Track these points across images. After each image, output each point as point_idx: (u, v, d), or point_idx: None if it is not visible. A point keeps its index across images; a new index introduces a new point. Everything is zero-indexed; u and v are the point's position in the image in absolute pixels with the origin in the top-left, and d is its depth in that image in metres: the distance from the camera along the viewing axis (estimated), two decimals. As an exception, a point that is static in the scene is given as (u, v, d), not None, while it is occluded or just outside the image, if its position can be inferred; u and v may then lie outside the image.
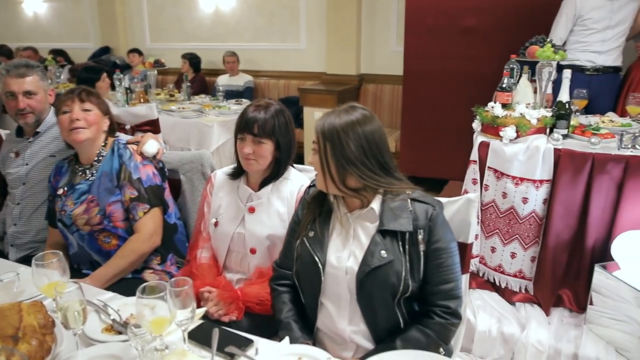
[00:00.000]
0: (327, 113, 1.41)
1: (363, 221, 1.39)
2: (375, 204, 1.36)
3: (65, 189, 1.95)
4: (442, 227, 1.36)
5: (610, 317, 2.15)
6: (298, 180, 1.75)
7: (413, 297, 1.36)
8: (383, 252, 1.32)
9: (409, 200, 1.36)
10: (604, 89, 3.04)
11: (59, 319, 1.18)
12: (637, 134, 2.20)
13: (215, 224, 1.78)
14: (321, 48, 5.37)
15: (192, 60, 5.61)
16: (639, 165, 2.16)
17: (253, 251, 1.72)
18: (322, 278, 1.39)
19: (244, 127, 1.66)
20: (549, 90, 2.55)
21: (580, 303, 2.36)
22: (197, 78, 5.59)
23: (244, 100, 4.74)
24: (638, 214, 2.13)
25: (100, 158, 1.95)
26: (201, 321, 1.37)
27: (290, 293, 1.51)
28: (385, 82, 5.03)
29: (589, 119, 2.65)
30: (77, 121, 1.86)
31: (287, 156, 1.72)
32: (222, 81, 5.50)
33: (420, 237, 1.33)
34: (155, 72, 5.01)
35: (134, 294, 1.16)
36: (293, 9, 5.51)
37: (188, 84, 4.74)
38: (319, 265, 1.38)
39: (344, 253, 1.39)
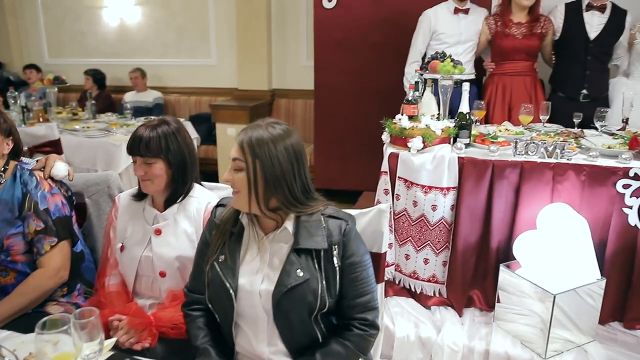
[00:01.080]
0: (250, 127, 1.35)
1: (278, 242, 1.36)
2: (289, 224, 1.34)
3: None
4: (356, 241, 1.37)
5: (516, 313, 2.29)
6: (205, 197, 1.71)
7: (330, 311, 1.36)
8: (299, 271, 1.31)
9: (322, 217, 1.35)
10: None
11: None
12: (529, 142, 2.38)
13: (122, 249, 1.69)
14: (232, 64, 5.33)
15: (96, 76, 5.35)
16: (532, 170, 2.33)
17: (163, 274, 1.66)
18: (235, 304, 1.35)
19: (130, 148, 1.62)
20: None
21: (489, 302, 2.49)
22: (102, 95, 5.34)
23: (153, 117, 4.58)
24: (533, 215, 2.30)
25: None
26: (111, 352, 1.30)
27: (205, 317, 1.45)
28: (298, 96, 5.09)
29: (487, 129, 2.83)
30: None
31: (183, 174, 1.67)
32: (130, 98, 5.29)
33: (335, 252, 1.33)
34: (56, 89, 4.73)
35: (33, 330, 1.07)
36: (202, 24, 5.44)
37: (92, 101, 4.52)
38: (231, 291, 1.34)
39: (257, 276, 1.35)
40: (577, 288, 2.16)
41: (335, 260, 1.33)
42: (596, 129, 2.78)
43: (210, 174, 4.79)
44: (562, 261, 2.16)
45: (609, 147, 2.44)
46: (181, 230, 1.67)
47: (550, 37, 3.23)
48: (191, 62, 5.59)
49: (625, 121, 2.80)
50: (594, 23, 3.08)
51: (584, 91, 3.06)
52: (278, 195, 1.31)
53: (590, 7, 3.07)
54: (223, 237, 1.40)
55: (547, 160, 2.33)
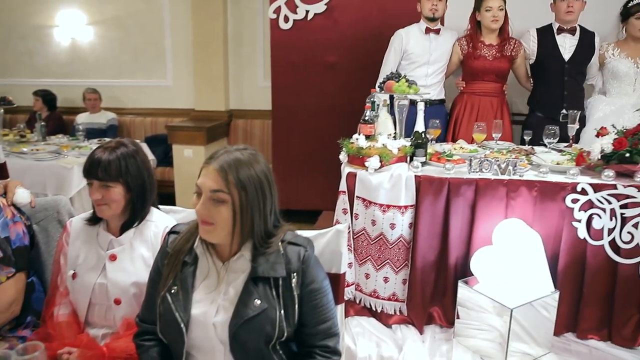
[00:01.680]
0: (224, 153, 1.27)
1: (235, 271, 1.31)
2: (247, 251, 1.30)
3: None
4: (315, 267, 1.33)
5: (475, 328, 2.32)
6: (162, 221, 1.67)
7: (289, 339, 1.33)
8: (257, 300, 1.26)
9: (280, 244, 1.31)
10: (433, 119, 3.36)
11: None
12: (482, 159, 2.44)
13: (74, 276, 1.62)
14: (189, 84, 5.28)
15: (46, 97, 5.18)
16: (486, 187, 2.39)
17: (118, 302, 1.60)
18: (185, 338, 1.29)
19: (88, 171, 1.57)
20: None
21: (448, 318, 2.52)
22: (53, 116, 5.17)
23: (107, 139, 4.46)
24: (489, 231, 2.35)
25: None
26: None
27: (159, 346, 1.39)
28: (255, 117, 5.07)
29: (443, 147, 2.89)
30: None
31: (142, 198, 1.63)
32: (82, 119, 5.13)
33: (294, 280, 1.29)
34: (2, 110, 4.54)
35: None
36: (158, 45, 5.37)
37: (42, 123, 4.36)
38: (182, 325, 1.28)
39: (212, 307, 1.30)
40: (532, 301, 2.21)
41: (294, 288, 1.29)
42: (545, 145, 2.88)
43: (167, 196, 4.69)
44: (518, 275, 2.21)
45: (557, 164, 2.54)
46: (138, 255, 1.62)
47: (520, 60, 3.32)
48: (147, 82, 5.50)
49: (572, 138, 2.92)
50: (567, 45, 3.21)
51: (563, 111, 3.15)
52: (255, 227, 1.27)
53: (561, 30, 3.21)
54: (175, 267, 1.33)
55: (500, 177, 2.40)
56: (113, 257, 1.62)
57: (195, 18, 4.94)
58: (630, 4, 3.14)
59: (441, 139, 3.23)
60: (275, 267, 1.28)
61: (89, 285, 1.60)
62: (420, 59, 3.34)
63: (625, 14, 3.15)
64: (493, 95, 3.31)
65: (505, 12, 3.16)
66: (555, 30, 3.22)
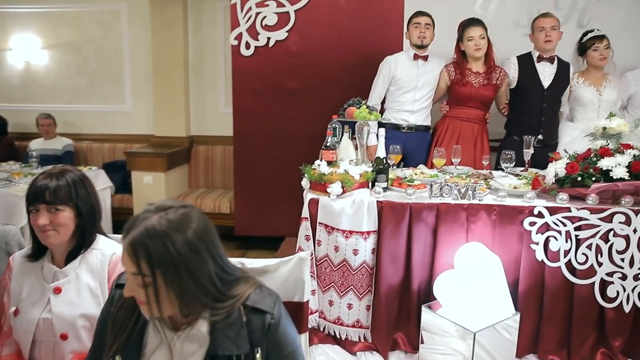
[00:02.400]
0: (138, 220, 1.09)
1: (190, 343, 1.16)
2: (204, 324, 1.15)
3: None
4: (283, 332, 1.20)
5: (439, 352, 2.32)
6: (109, 248, 1.61)
7: None
8: None
9: (242, 312, 1.16)
10: (418, 145, 3.41)
11: None
12: (443, 184, 2.48)
13: (15, 312, 1.54)
14: (149, 110, 5.20)
15: (-4, 122, 5.02)
16: (447, 211, 2.42)
17: (64, 337, 1.52)
18: None
19: (34, 197, 1.50)
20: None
21: (413, 343, 2.51)
22: (4, 142, 4.99)
23: (55, 166, 4.31)
24: (451, 255, 2.37)
25: None
26: None
27: None
28: (217, 143, 5.02)
29: (404, 172, 2.93)
30: None
31: (91, 222, 1.58)
32: (36, 145, 4.97)
33: (257, 355, 1.16)
34: (-51, 137, 4.36)
35: None
36: (117, 70, 5.29)
37: (-8, 149, 4.20)
38: None
39: None
40: (495, 324, 2.23)
41: None
42: (503, 170, 2.96)
43: (119, 224, 4.57)
44: (480, 298, 2.23)
45: (515, 188, 2.60)
46: (84, 285, 1.55)
47: (504, 88, 3.41)
48: (105, 108, 5.39)
49: (528, 162, 3.01)
50: (546, 73, 3.32)
51: (540, 136, 3.24)
52: (194, 299, 1.11)
53: (541, 58, 3.32)
54: (120, 335, 1.18)
55: (460, 201, 2.43)
56: (57, 290, 1.54)
57: (155, 43, 4.90)
58: (584, 39, 3.34)
59: (422, 161, 3.29)
60: (238, 342, 1.14)
61: (33, 322, 1.52)
62: (408, 85, 3.38)
63: (582, 49, 3.35)
64: (475, 122, 3.37)
65: (488, 39, 3.26)
66: (535, 59, 3.34)
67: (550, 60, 3.33)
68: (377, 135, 2.86)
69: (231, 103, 4.21)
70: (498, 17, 3.73)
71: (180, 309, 1.11)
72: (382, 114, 2.96)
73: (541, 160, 2.96)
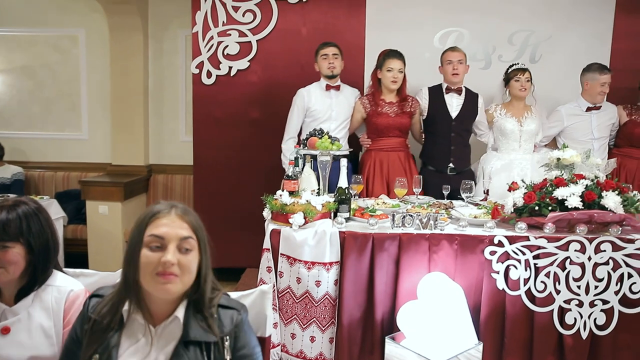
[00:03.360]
0: (173, 203, 1.32)
1: (166, 336, 1.27)
2: (181, 312, 1.27)
3: None
4: (248, 332, 1.33)
5: (403, 386, 2.29)
6: (67, 285, 1.53)
7: None
8: None
9: (214, 307, 1.30)
10: (336, 173, 3.42)
11: None
12: (405, 214, 2.49)
13: None
14: (106, 138, 5.07)
15: (-63, 149, 4.77)
16: (409, 241, 2.43)
17: None
18: None
19: None
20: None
21: (376, 376, 2.47)
22: (-53, 171, 4.75)
23: (11, 195, 4.13)
24: (413, 285, 2.36)
25: None
26: None
27: None
28: (176, 172, 4.93)
29: (366, 202, 2.93)
30: None
31: (45, 259, 1.49)
32: (-17, 174, 4.76)
33: (226, 344, 1.27)
34: None
35: None
36: (73, 97, 5.15)
37: None
38: None
39: None
40: (458, 354, 2.22)
41: (226, 353, 1.27)
42: (463, 199, 3.00)
43: (79, 256, 4.39)
44: (443, 328, 2.22)
45: (475, 217, 2.64)
46: (36, 325, 1.46)
47: (417, 116, 3.53)
48: (59, 135, 5.22)
49: (486, 192, 3.07)
50: (454, 104, 3.46)
51: (451, 164, 3.38)
52: (206, 277, 1.31)
53: (449, 89, 3.46)
54: (99, 334, 1.25)
55: (422, 231, 2.45)
56: (5, 330, 1.45)
57: (114, 70, 4.81)
58: (509, 71, 3.49)
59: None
60: (209, 331, 1.26)
61: None
62: (323, 115, 3.46)
63: (507, 79, 3.50)
64: (399, 150, 3.46)
65: (404, 74, 3.36)
66: (444, 90, 3.48)
67: (458, 91, 3.47)
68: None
69: (191, 131, 4.16)
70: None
71: (194, 284, 1.28)
72: (301, 146, 2.98)
73: (456, 187, 3.05)
